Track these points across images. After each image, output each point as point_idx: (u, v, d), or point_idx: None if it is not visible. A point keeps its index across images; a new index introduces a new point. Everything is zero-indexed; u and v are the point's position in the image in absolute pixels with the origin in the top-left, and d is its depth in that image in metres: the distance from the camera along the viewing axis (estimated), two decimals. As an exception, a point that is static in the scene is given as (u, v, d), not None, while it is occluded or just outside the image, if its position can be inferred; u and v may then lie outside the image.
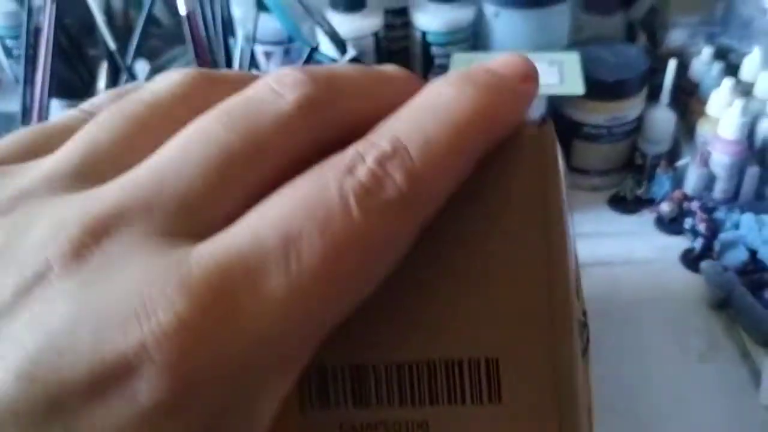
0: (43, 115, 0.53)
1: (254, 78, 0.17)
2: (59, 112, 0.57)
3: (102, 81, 0.53)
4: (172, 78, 0.16)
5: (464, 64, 0.56)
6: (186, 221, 0.14)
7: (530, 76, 0.17)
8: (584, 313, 0.22)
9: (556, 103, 0.57)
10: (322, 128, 0.15)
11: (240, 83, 0.16)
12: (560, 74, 0.55)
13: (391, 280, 0.17)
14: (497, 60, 0.17)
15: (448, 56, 0.59)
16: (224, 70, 0.18)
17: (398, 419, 0.18)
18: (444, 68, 0.59)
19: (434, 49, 0.59)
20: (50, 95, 0.53)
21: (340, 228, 0.13)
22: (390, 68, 0.17)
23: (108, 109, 0.16)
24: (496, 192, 0.17)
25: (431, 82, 0.16)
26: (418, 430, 0.18)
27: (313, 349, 0.14)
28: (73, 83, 0.59)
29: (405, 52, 0.62)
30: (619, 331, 0.48)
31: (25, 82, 0.53)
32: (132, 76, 0.58)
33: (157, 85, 0.16)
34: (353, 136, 0.15)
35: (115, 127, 0.15)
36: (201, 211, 0.14)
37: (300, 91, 0.15)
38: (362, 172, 0.13)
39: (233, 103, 0.15)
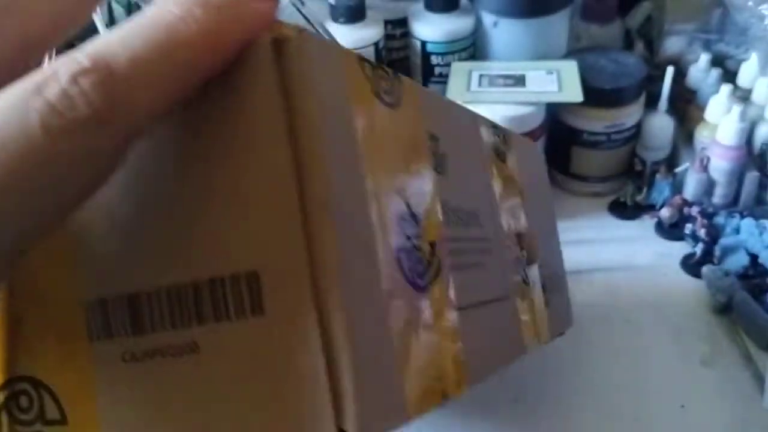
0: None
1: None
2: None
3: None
4: None
5: (464, 73, 0.57)
6: None
7: None
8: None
9: (555, 111, 0.58)
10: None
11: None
12: (559, 82, 0.55)
13: (150, 209, 0.18)
14: None
15: (447, 65, 0.59)
16: None
17: (171, 343, 0.18)
18: (444, 77, 0.59)
19: (434, 59, 0.60)
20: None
21: (17, 149, 0.13)
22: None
23: None
24: (237, 108, 0.17)
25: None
26: (191, 353, 0.18)
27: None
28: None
29: (405, 62, 0.62)
30: (621, 336, 0.48)
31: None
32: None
33: None
34: None
35: None
36: None
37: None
38: (53, 91, 0.13)
39: None
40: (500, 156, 0.32)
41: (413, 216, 0.21)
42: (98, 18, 0.54)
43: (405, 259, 0.20)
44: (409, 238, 0.20)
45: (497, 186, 0.30)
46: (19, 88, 0.13)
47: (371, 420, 0.17)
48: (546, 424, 0.43)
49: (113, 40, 0.14)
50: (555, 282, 0.37)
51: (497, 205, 0.30)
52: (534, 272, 0.34)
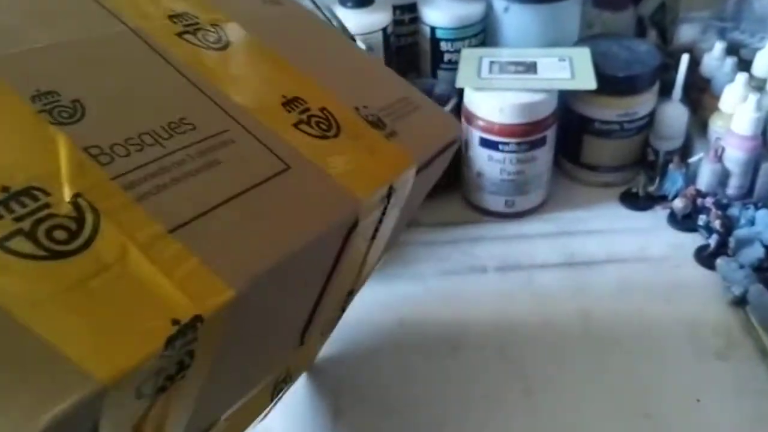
0: None
1: None
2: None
3: None
4: None
5: (474, 60, 0.56)
6: None
7: None
8: None
9: (566, 99, 0.57)
10: None
11: None
12: (571, 69, 0.54)
13: None
14: None
15: (457, 51, 0.58)
16: None
17: None
18: (453, 64, 0.58)
19: (443, 45, 0.59)
20: None
21: None
22: None
23: None
24: None
25: None
26: None
27: None
28: None
29: (414, 48, 0.61)
30: (634, 329, 0.47)
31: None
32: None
33: None
34: None
35: None
36: None
37: None
38: None
39: None
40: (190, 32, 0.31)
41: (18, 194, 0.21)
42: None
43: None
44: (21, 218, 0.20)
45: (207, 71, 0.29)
46: None
47: None
48: (557, 416, 0.42)
49: None
50: (400, 109, 0.34)
51: (219, 92, 0.28)
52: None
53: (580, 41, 0.60)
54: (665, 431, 0.41)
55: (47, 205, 0.20)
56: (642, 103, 0.56)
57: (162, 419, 0.22)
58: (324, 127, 0.30)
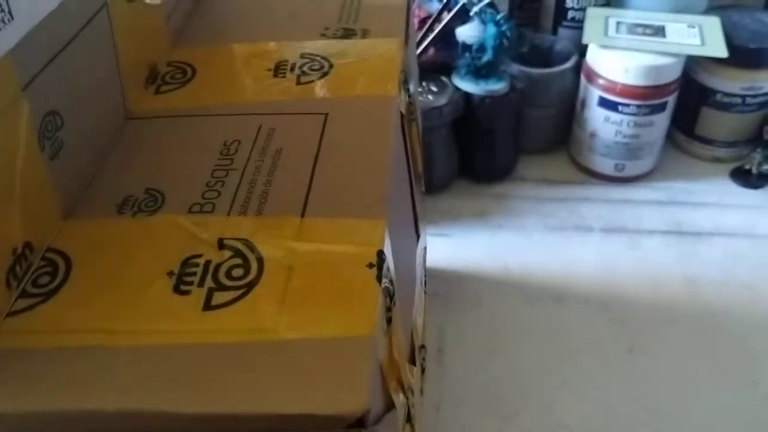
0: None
1: None
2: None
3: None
4: None
5: (600, 19, 0.55)
6: None
7: None
8: None
9: (688, 68, 0.56)
10: None
11: None
12: (701, 36, 0.53)
13: None
14: None
15: (581, 9, 0.57)
16: None
17: None
18: (577, 22, 0.58)
19: (569, 2, 0.58)
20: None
21: None
22: None
23: None
24: None
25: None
26: None
27: None
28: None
29: (537, 3, 0.60)
30: (742, 299, 0.47)
31: None
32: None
33: None
34: None
35: None
36: None
37: None
38: None
39: None
40: None
41: None
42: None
43: None
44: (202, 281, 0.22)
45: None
46: None
47: None
48: (660, 376, 0.43)
49: None
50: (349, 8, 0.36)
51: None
52: None
53: (710, 10, 0.58)
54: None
55: (208, 262, 0.22)
56: (768, 78, 0.55)
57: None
58: (315, 68, 0.32)
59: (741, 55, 0.54)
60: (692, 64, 0.56)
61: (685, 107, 0.57)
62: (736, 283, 0.49)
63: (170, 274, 0.22)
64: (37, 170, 0.23)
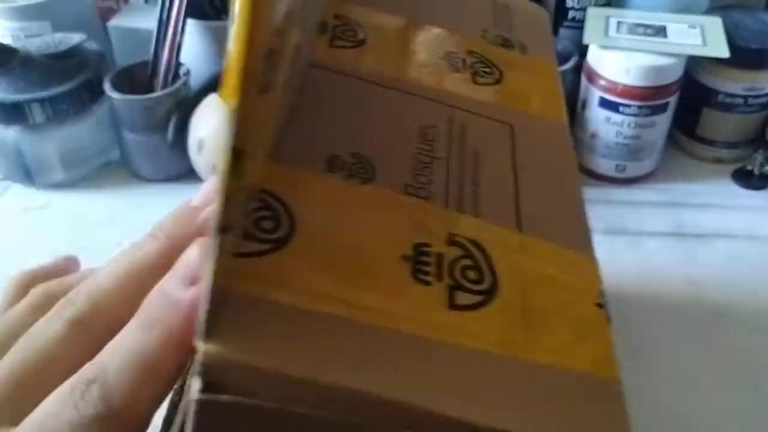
0: (178, 32, 0.54)
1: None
2: (193, 30, 0.57)
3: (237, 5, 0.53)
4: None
5: (601, 19, 0.55)
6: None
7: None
8: None
9: (690, 68, 0.55)
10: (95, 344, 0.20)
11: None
12: (703, 36, 0.53)
13: None
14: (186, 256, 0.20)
15: (582, 10, 0.57)
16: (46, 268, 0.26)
17: None
18: (578, 22, 0.57)
19: (569, 2, 0.58)
20: (186, 15, 0.54)
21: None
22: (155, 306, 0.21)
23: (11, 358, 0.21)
24: None
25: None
26: None
27: None
28: (205, 7, 0.59)
29: (538, 3, 0.60)
30: (744, 302, 0.47)
31: (163, 1, 0.54)
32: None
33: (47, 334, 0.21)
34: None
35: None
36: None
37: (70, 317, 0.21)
38: (77, 393, 0.19)
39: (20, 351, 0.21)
40: None
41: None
42: None
43: None
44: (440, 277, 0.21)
45: None
46: (63, 386, 0.19)
47: None
48: (662, 378, 0.42)
49: (107, 351, 0.19)
50: (503, 20, 0.36)
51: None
52: None
53: (711, 10, 0.58)
54: (774, 405, 0.41)
55: (440, 255, 0.21)
56: (771, 79, 0.54)
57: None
58: (487, 71, 0.31)
59: (743, 56, 0.53)
60: (694, 64, 0.55)
61: (686, 108, 0.57)
62: (738, 285, 0.48)
63: (405, 257, 0.20)
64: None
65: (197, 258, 0.20)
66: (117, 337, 0.20)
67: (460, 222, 0.23)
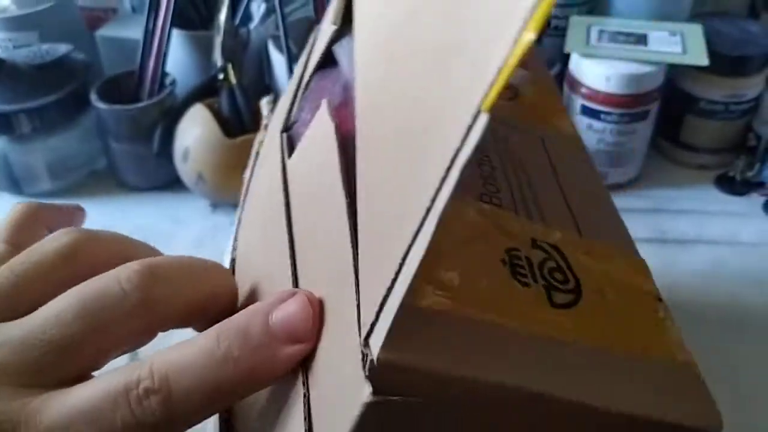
0: (164, 42, 0.54)
1: (127, 241, 0.24)
2: (178, 41, 0.58)
3: (222, 15, 0.54)
4: (61, 240, 0.22)
5: (582, 27, 0.55)
6: (36, 380, 0.20)
7: (304, 336, 0.20)
8: None
9: (670, 76, 0.56)
10: (155, 320, 0.21)
11: (116, 242, 0.23)
12: (683, 44, 0.53)
13: None
14: (284, 308, 0.20)
15: (565, 18, 0.58)
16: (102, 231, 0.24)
17: None
18: (560, 30, 0.58)
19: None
20: (172, 25, 0.54)
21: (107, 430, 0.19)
22: (207, 262, 0.23)
23: (7, 264, 0.22)
24: None
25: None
26: None
27: None
28: (191, 16, 0.60)
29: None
30: (724, 309, 0.47)
31: (149, 10, 0.54)
32: (247, 16, 0.59)
33: (46, 246, 0.22)
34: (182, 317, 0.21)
35: (7, 283, 0.21)
36: (49, 374, 0.20)
37: (141, 292, 0.20)
38: (133, 397, 0.19)
39: (87, 292, 0.20)
40: None
41: None
42: None
43: None
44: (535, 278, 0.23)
45: None
46: (114, 383, 0.19)
47: None
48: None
49: (173, 364, 0.19)
50: None
51: None
52: None
53: (692, 18, 0.58)
54: (755, 407, 0.41)
55: (529, 258, 0.22)
56: (751, 86, 0.55)
57: None
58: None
59: (724, 63, 0.54)
60: (676, 71, 0.56)
61: (669, 115, 0.57)
62: (718, 291, 0.49)
63: (503, 261, 0.22)
64: None
65: (301, 315, 0.20)
66: (188, 350, 0.20)
67: (534, 227, 0.24)
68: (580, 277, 0.23)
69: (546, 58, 0.58)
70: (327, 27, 0.29)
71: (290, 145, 0.28)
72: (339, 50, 0.28)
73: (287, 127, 0.28)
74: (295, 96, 0.30)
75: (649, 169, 0.58)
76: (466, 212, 0.23)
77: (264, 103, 0.40)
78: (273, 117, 0.35)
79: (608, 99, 0.52)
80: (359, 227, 0.20)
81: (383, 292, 0.17)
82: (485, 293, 0.20)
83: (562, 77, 0.56)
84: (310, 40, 0.35)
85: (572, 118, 0.55)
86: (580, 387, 0.19)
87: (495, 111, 0.28)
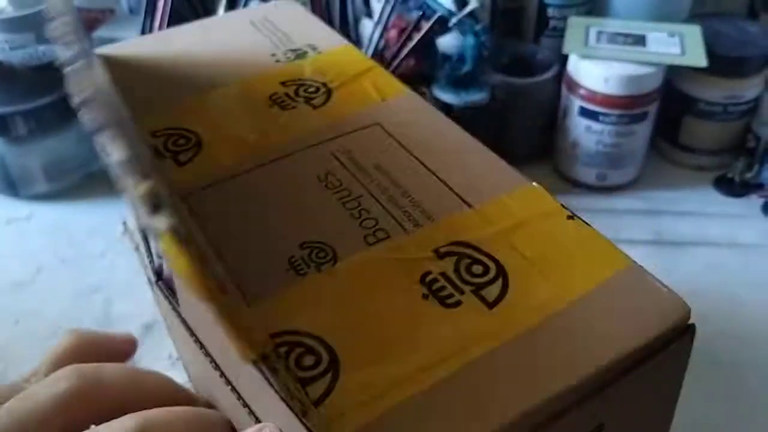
0: (161, 45, 0.54)
1: (133, 382, 0.23)
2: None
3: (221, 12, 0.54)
4: (58, 385, 0.22)
5: (581, 28, 0.55)
6: None
7: None
8: None
9: (669, 77, 0.55)
10: (89, 408, 0.21)
11: (119, 386, 0.23)
12: (681, 45, 0.53)
13: None
14: None
15: (563, 19, 0.57)
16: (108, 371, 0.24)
17: None
18: (558, 31, 0.57)
19: (550, 11, 0.58)
20: (169, 25, 0.54)
21: None
22: (148, 375, 0.24)
23: (5, 406, 0.22)
24: None
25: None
26: None
27: None
28: (189, 17, 0.59)
29: (519, 12, 0.60)
30: (723, 310, 0.47)
31: (146, 11, 0.54)
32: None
33: (43, 391, 0.22)
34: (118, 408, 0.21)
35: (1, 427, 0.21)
36: None
37: (71, 383, 0.21)
38: None
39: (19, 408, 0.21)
40: None
41: None
42: None
43: None
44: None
45: None
46: None
47: None
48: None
49: None
50: None
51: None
52: None
53: (691, 18, 0.58)
54: (754, 410, 0.41)
55: (443, 272, 0.22)
56: (750, 87, 0.55)
57: None
58: (313, 90, 0.31)
59: (723, 64, 0.53)
60: (675, 72, 0.56)
61: (668, 116, 0.57)
62: (717, 293, 0.48)
63: (425, 296, 0.21)
64: None
65: None
66: None
67: (428, 233, 0.23)
68: (495, 252, 0.22)
69: (539, 57, 0.57)
70: None
71: (170, 291, 0.27)
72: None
73: (158, 276, 0.27)
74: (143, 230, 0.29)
75: (647, 170, 0.58)
76: (363, 271, 0.22)
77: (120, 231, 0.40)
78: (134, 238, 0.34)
79: (607, 100, 0.52)
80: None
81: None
82: (423, 353, 0.20)
83: (560, 79, 0.56)
84: None
85: (569, 118, 0.54)
86: (553, 374, 0.19)
87: (312, 134, 0.28)
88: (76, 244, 0.52)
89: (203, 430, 0.22)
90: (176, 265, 0.13)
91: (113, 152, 0.14)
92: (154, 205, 0.14)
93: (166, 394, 0.24)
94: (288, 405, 0.18)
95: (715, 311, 0.47)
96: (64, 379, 0.22)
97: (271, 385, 0.18)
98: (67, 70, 0.18)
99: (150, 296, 0.48)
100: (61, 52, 0.19)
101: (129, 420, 0.21)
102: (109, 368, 0.23)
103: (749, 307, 0.47)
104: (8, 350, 0.44)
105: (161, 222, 0.13)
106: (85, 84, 0.17)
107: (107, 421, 0.21)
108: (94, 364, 0.23)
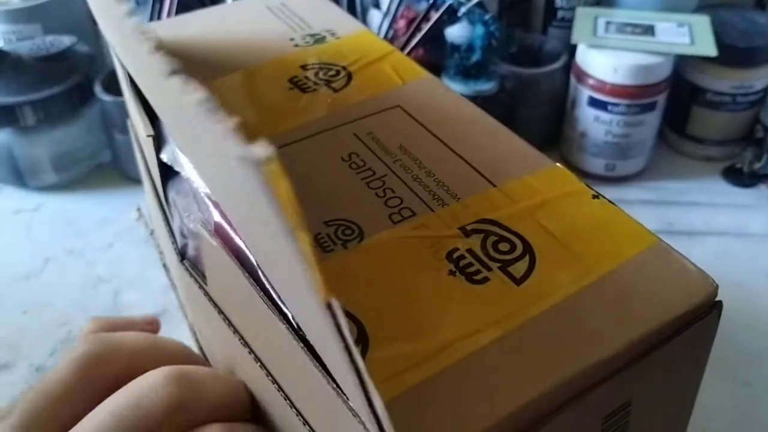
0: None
1: (150, 343, 0.23)
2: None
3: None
4: (74, 354, 0.22)
5: (589, 18, 0.55)
6: None
7: None
8: None
9: (678, 67, 0.55)
10: (184, 424, 0.21)
11: (136, 349, 0.23)
12: (691, 35, 0.53)
13: None
14: None
15: (571, 9, 0.57)
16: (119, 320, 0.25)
17: None
18: (566, 22, 0.57)
19: (558, 1, 0.58)
20: (177, 14, 0.54)
21: None
22: (168, 339, 0.24)
23: (26, 397, 0.21)
24: None
25: None
26: None
27: None
28: (196, 8, 0.59)
29: (527, 2, 0.60)
30: (733, 299, 0.47)
31: (154, 1, 0.54)
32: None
33: (59, 367, 0.22)
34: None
35: (33, 408, 0.21)
36: None
37: (173, 394, 0.20)
38: None
39: (120, 405, 0.20)
40: None
41: None
42: None
43: None
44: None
45: None
46: None
47: None
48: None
49: None
50: None
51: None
52: None
53: (699, 9, 0.58)
54: (765, 399, 0.41)
55: (470, 249, 0.22)
56: (759, 77, 0.55)
57: None
58: (333, 74, 0.31)
59: (731, 54, 0.53)
60: (683, 63, 0.55)
61: (676, 106, 0.57)
62: (728, 283, 0.48)
63: (451, 272, 0.21)
64: None
65: None
66: None
67: (454, 212, 0.23)
68: (520, 229, 0.23)
69: (547, 47, 0.57)
70: (144, 138, 0.27)
71: (196, 271, 0.26)
72: (171, 159, 0.26)
73: (182, 256, 0.27)
74: (163, 210, 0.29)
75: (656, 160, 0.58)
76: (389, 248, 0.22)
77: (134, 217, 0.40)
78: (150, 222, 0.34)
79: (616, 90, 0.52)
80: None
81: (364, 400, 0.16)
82: (451, 329, 0.20)
83: (569, 69, 0.55)
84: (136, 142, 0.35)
85: (578, 108, 0.54)
86: (586, 349, 0.19)
87: (335, 115, 0.27)
88: (84, 235, 0.52)
89: (230, 390, 0.22)
90: (281, 189, 0.13)
91: (191, 93, 0.14)
92: (248, 136, 0.13)
93: (186, 358, 0.24)
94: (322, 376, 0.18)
95: (724, 300, 0.47)
96: (81, 343, 0.22)
97: (308, 356, 0.18)
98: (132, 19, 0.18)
99: (158, 286, 0.48)
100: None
101: (163, 372, 0.21)
102: (128, 334, 0.23)
103: (759, 295, 0.47)
104: (17, 341, 0.44)
105: (263, 149, 0.13)
106: (151, 34, 0.17)
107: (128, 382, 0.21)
108: (113, 333, 0.23)
